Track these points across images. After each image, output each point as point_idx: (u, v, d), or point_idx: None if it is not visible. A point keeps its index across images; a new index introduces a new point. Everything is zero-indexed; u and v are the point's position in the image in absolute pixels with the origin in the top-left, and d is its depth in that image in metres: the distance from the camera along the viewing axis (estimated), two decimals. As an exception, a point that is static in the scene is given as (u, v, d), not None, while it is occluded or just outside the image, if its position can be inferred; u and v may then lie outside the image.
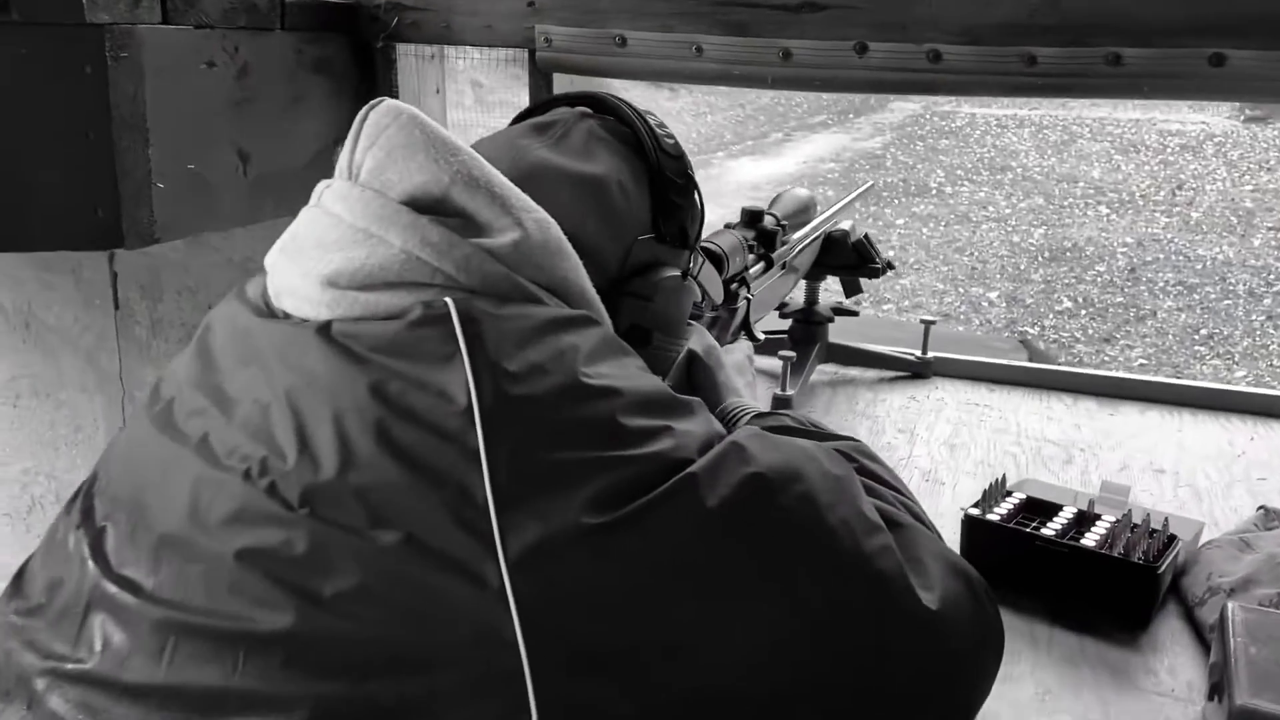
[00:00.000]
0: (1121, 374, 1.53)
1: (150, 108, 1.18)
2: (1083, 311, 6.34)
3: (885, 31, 1.33)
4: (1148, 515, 0.97)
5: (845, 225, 1.48)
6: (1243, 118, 15.21)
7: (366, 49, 1.55)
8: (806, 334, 1.51)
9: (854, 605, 0.63)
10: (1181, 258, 7.58)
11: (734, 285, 1.14)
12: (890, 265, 1.50)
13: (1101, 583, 0.93)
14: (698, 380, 1.04)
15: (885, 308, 6.24)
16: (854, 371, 1.58)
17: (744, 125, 14.48)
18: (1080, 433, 1.36)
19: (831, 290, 1.57)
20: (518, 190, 0.69)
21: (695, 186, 0.83)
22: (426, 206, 0.67)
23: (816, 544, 0.63)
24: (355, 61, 1.54)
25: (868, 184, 1.73)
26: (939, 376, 1.57)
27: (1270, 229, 8.43)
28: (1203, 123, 15.83)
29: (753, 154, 11.96)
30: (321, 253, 0.67)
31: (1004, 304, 6.49)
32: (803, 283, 1.52)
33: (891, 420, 1.40)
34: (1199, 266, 7.32)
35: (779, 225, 1.23)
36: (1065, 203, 9.57)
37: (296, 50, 1.42)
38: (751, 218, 1.19)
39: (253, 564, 0.58)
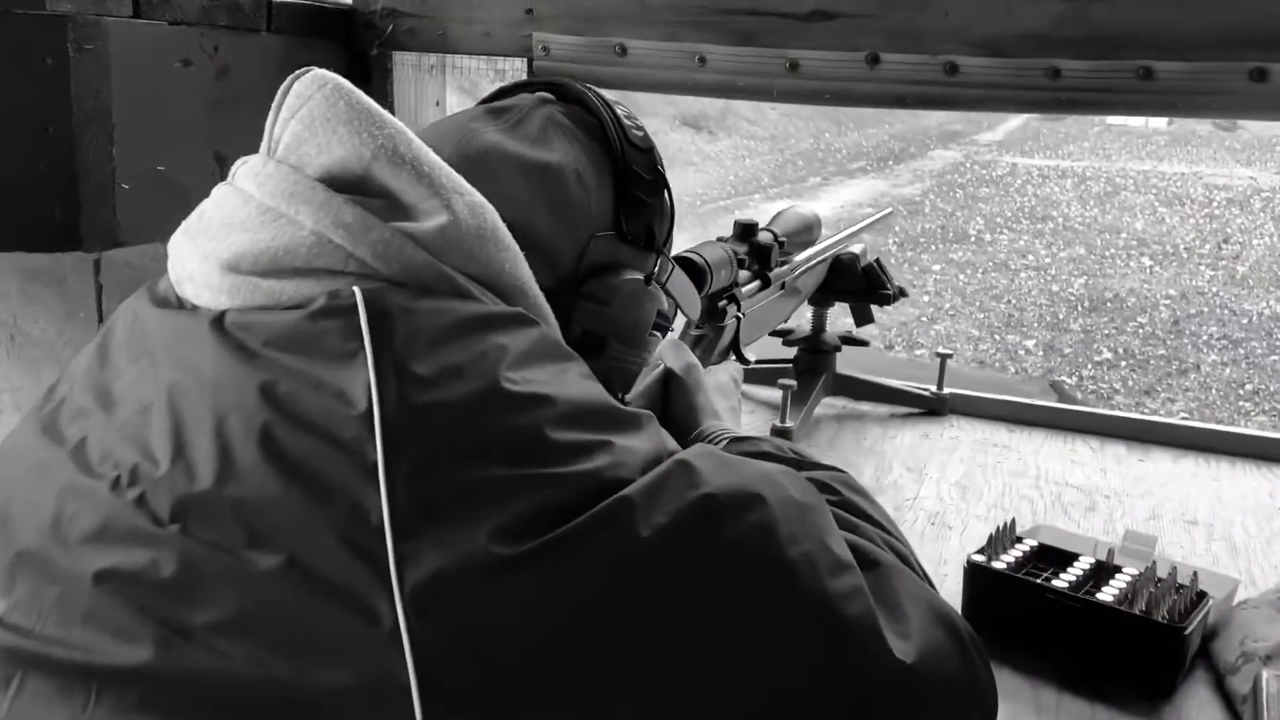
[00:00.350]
0: (1155, 417, 1.41)
1: (116, 104, 1.13)
2: (1123, 363, 6.16)
3: (899, 42, 1.25)
4: (1174, 569, 0.86)
5: (855, 248, 1.39)
6: (1292, 173, 14.93)
7: (362, 57, 1.50)
8: (812, 363, 1.42)
9: (813, 654, 0.54)
10: (1227, 311, 7.38)
11: (722, 302, 1.05)
12: (903, 292, 1.40)
13: (1119, 643, 0.82)
14: (673, 401, 0.95)
15: (918, 352, 6.10)
16: (865, 406, 1.48)
17: (782, 169, 14.48)
18: (1106, 478, 1.25)
19: (853, 327, 1.48)
20: (450, 170, 0.61)
21: (665, 184, 0.75)
22: (347, 184, 0.59)
23: (771, 581, 0.54)
24: (350, 70, 1.49)
25: (887, 210, 1.64)
26: (956, 414, 1.47)
27: (1320, 285, 8.21)
28: (1251, 178, 15.59)
29: (790, 197, 11.90)
30: (226, 233, 0.59)
31: (1041, 353, 6.34)
32: (810, 309, 1.43)
33: (900, 458, 1.30)
34: (1245, 321, 7.12)
35: (776, 241, 1.14)
36: (1107, 253, 9.40)
37: (283, 54, 1.36)
38: (745, 231, 1.10)
39: (113, 588, 0.50)
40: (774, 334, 1.43)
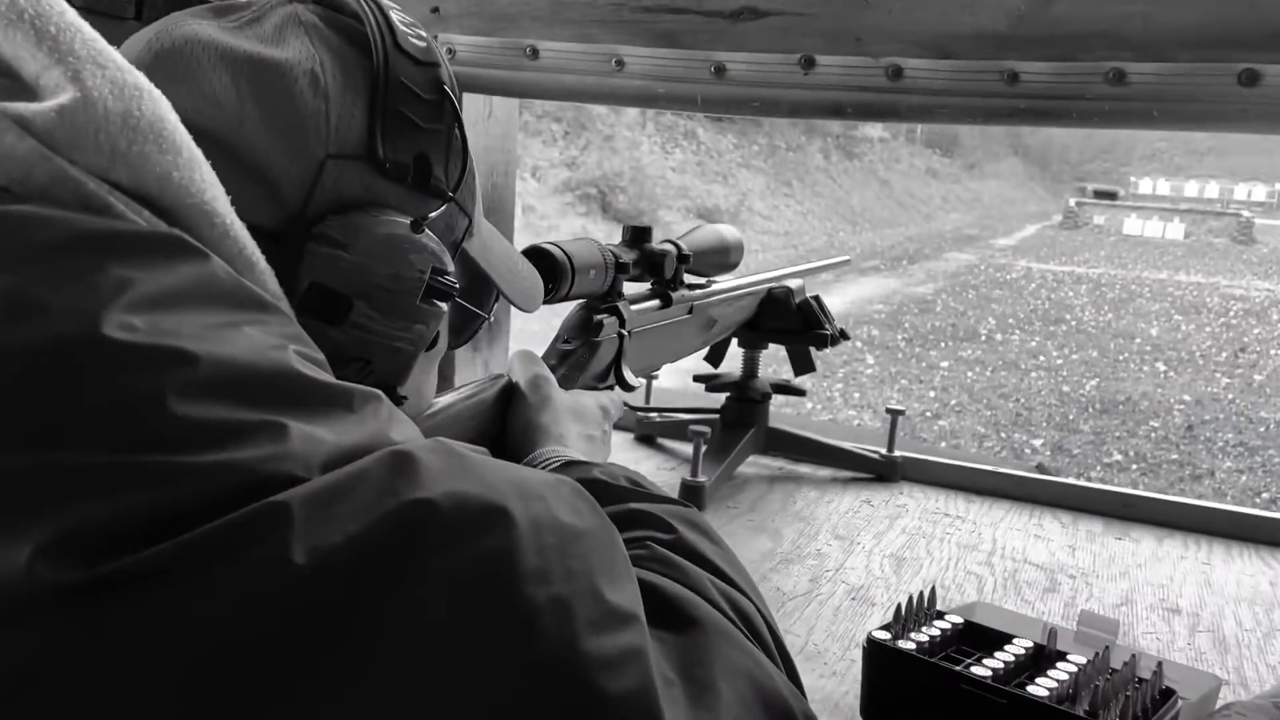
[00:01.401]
0: (1139, 491, 1.21)
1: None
2: (1134, 466, 5.90)
3: (837, 43, 1.09)
4: (1134, 658, 0.66)
5: (792, 283, 1.22)
6: (1311, 286, 14.83)
7: (259, 61, 1.35)
8: (740, 413, 1.23)
9: None
10: (1243, 419, 7.12)
11: (600, 315, 0.87)
12: (844, 334, 1.22)
13: (1055, 754, 0.61)
14: (511, 419, 0.76)
15: (922, 444, 5.87)
16: (805, 469, 1.29)
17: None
18: (1074, 557, 1.05)
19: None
20: (94, 38, 0.45)
21: (455, 114, 0.58)
22: None
23: (497, 634, 0.36)
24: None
25: (843, 257, 1.47)
26: (909, 481, 1.27)
27: (1340, 396, 7.97)
28: (1269, 290, 15.44)
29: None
30: None
31: (1049, 452, 6.08)
32: (741, 353, 1.25)
33: (830, 524, 1.10)
34: (1262, 429, 6.86)
35: (679, 255, 0.97)
36: (1120, 357, 9.20)
37: (159, 44, 1.22)
38: (635, 236, 0.93)
39: None
40: (698, 379, 1.25)
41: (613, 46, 1.18)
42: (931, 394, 7.36)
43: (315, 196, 0.52)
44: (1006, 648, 0.69)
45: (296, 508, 0.34)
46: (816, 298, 1.21)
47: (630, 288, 0.94)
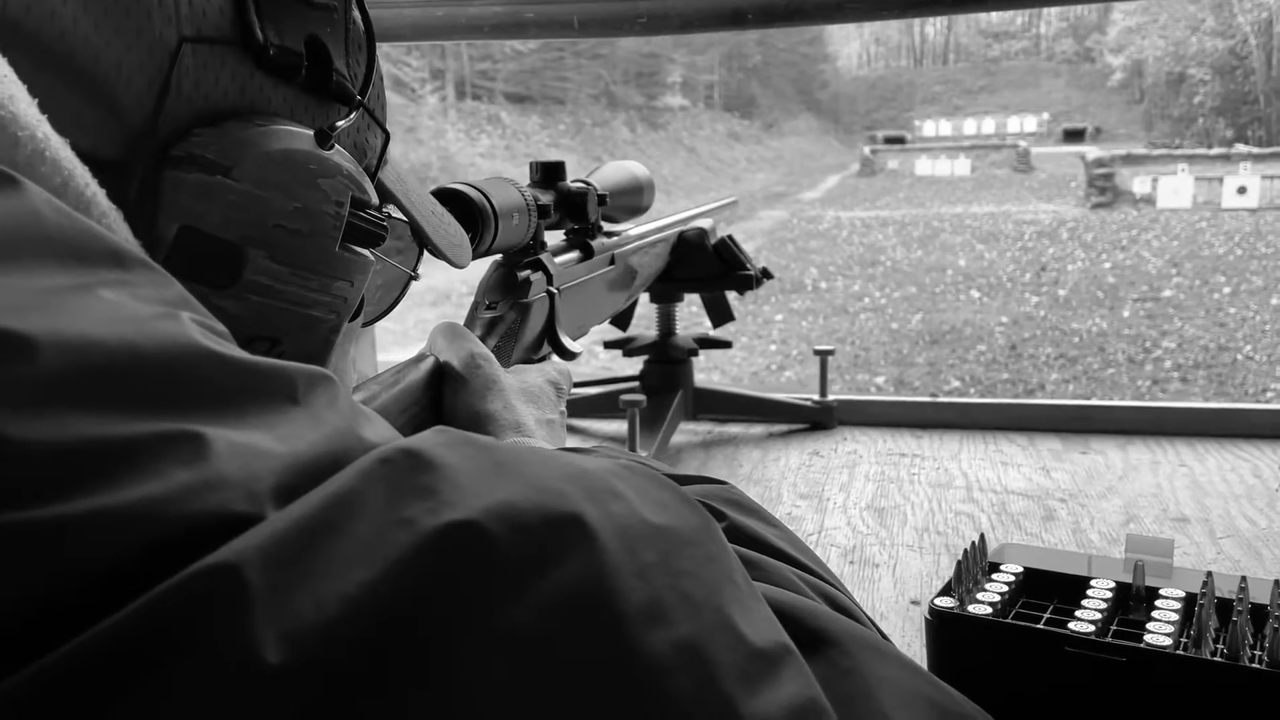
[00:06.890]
0: (1084, 401, 1.15)
1: None
2: (972, 390, 6.15)
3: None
4: (1245, 584, 0.56)
5: (704, 223, 1.08)
6: (1090, 204, 15.98)
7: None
8: (663, 377, 1.09)
9: None
10: (1058, 332, 7.56)
11: (525, 272, 0.71)
12: (767, 273, 1.10)
13: (1207, 709, 0.51)
14: (449, 411, 0.60)
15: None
16: (734, 429, 1.17)
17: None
18: (1052, 478, 0.97)
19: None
20: None
21: (355, -11, 0.41)
22: None
23: (605, 708, 0.20)
24: None
25: (730, 198, 1.35)
26: (846, 426, 1.17)
27: (1136, 301, 8.57)
28: (1054, 211, 16.53)
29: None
30: None
31: (892, 388, 6.27)
32: (654, 309, 1.12)
33: (789, 483, 0.98)
34: (1076, 340, 7.30)
35: (598, 196, 0.82)
36: (937, 290, 9.61)
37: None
38: (548, 173, 0.77)
39: None
40: (611, 345, 1.10)
41: (466, -30, 1.01)
42: (773, 348, 7.46)
43: (170, 101, 0.35)
44: (1088, 594, 0.59)
45: (251, 570, 0.18)
46: (730, 237, 1.09)
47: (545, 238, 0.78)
